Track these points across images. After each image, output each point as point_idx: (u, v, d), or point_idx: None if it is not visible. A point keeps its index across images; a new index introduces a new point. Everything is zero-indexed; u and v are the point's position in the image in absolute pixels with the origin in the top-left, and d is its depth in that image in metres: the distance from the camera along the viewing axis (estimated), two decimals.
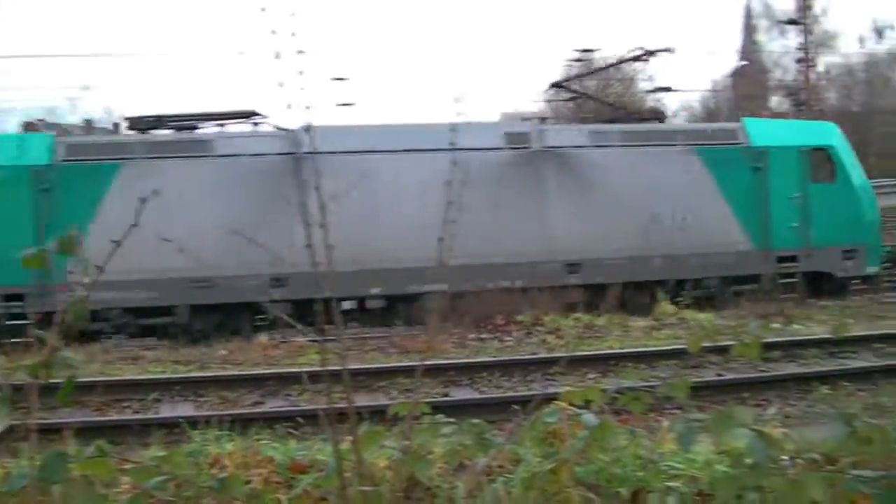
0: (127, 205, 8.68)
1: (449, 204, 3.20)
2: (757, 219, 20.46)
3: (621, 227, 19.58)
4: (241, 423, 7.00)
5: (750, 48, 60.43)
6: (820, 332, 15.07)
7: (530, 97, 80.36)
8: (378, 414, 4.60)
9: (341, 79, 39.56)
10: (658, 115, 23.59)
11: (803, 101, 43.52)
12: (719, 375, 11.92)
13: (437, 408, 3.62)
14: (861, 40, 54.52)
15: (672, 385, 2.67)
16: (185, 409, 10.87)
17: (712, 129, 21.99)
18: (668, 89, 36.85)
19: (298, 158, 17.57)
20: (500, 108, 70.68)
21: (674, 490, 3.25)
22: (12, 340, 15.19)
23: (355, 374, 11.88)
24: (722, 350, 11.30)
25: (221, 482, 3.06)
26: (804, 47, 45.01)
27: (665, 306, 17.70)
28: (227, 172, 18.42)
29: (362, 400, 10.51)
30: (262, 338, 16.13)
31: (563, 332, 15.89)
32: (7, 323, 16.42)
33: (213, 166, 18.44)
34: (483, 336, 16.23)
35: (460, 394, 11.67)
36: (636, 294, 19.24)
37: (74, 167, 17.63)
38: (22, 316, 16.18)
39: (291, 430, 7.16)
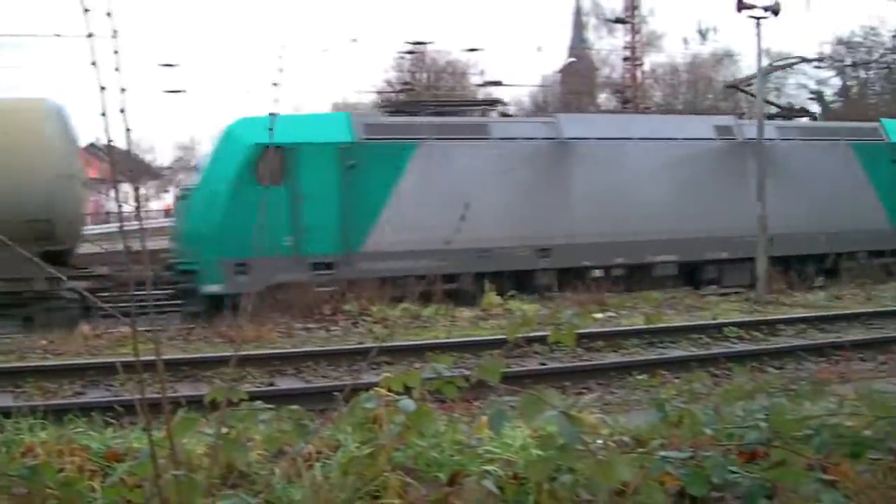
0: (420, 181, 16.01)
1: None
2: (893, 202, 24.19)
3: (800, 207, 22.48)
4: (59, 413, 6.70)
5: (579, 45, 61.95)
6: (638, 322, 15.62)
7: (360, 88, 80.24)
8: (199, 403, 4.50)
9: (170, 65, 39.01)
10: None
11: (629, 99, 45.04)
12: (542, 364, 12.22)
13: (261, 397, 3.58)
14: (686, 41, 56.75)
15: (485, 369, 2.67)
16: (2, 400, 10.37)
17: (863, 128, 25.63)
18: (498, 83, 37.55)
19: (560, 143, 20.51)
20: (330, 99, 70.42)
21: (490, 474, 3.28)
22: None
23: (178, 363, 11.62)
24: (544, 340, 11.75)
25: (32, 470, 2.96)
26: (631, 46, 46.58)
27: (491, 297, 17.96)
28: (501, 154, 20.17)
29: (186, 390, 10.26)
30: (85, 327, 15.57)
31: (390, 322, 15.92)
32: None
33: (490, 149, 20.20)
34: (310, 326, 16.11)
35: (286, 383, 11.56)
36: (805, 264, 23.14)
37: (375, 145, 19.13)
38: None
39: (109, 420, 6.89)
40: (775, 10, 20.78)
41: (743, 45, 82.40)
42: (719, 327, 15.05)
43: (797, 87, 54.82)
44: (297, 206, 17.92)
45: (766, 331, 15.15)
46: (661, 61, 59.10)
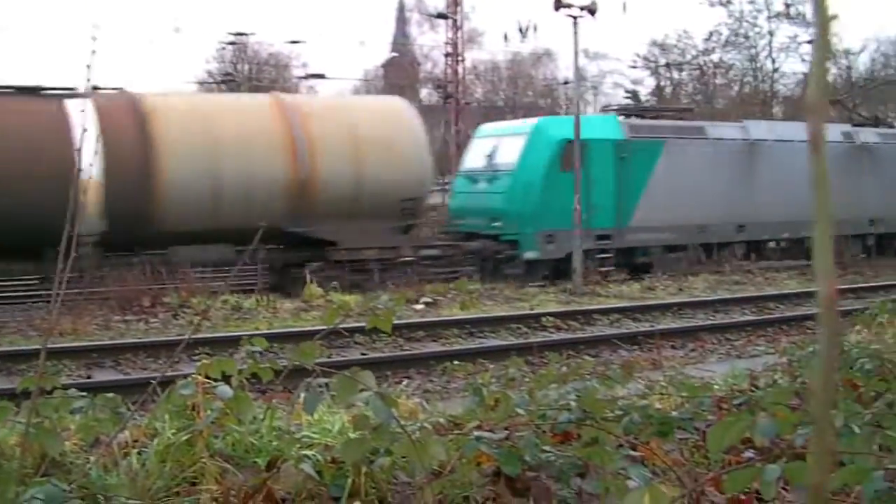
0: (665, 171, 23.47)
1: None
2: None
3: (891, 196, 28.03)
4: None
5: (402, 40, 62.23)
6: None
7: (185, 79, 78.16)
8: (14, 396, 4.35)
9: None
10: None
11: (451, 94, 45.52)
12: (363, 354, 12.22)
13: (79, 390, 3.46)
14: (506, 39, 57.83)
15: (301, 352, 2.63)
16: None
17: None
18: (321, 76, 37.32)
19: (749, 143, 26.29)
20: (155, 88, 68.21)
21: (308, 458, 3.25)
22: None
23: None
24: (367, 331, 11.81)
25: None
26: (453, 42, 47.03)
27: (313, 289, 17.84)
28: (713, 152, 25.46)
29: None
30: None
31: (211, 314, 15.56)
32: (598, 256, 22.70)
33: (706, 147, 25.49)
34: (129, 318, 15.58)
35: (103, 375, 11.18)
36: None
37: (638, 142, 24.02)
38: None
39: None
40: (592, 10, 21.40)
41: (561, 43, 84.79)
42: (537, 317, 15.42)
43: (614, 87, 56.96)
44: (588, 190, 21.73)
45: (582, 320, 15.64)
46: (482, 58, 60.18)
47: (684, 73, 58.43)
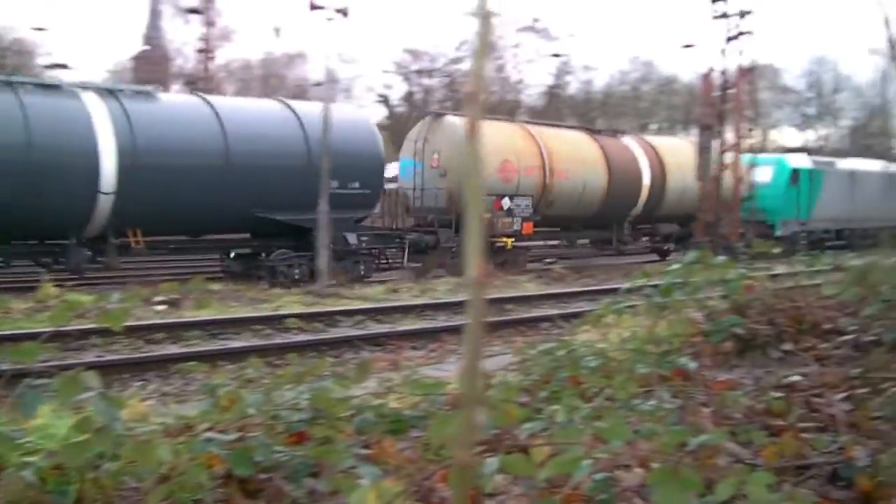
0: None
1: None
2: None
3: None
4: None
5: (154, 34, 60.27)
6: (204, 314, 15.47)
7: None
8: None
9: None
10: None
11: (202, 91, 44.48)
12: (99, 357, 11.73)
13: None
14: (260, 38, 57.19)
15: (20, 352, 2.50)
16: None
17: None
18: (64, 66, 35.56)
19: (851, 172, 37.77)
20: None
21: (30, 465, 3.10)
22: None
23: None
24: (106, 332, 11.32)
25: None
26: (205, 38, 45.98)
27: (48, 288, 16.93)
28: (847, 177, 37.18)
29: None
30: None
31: None
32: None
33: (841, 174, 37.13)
34: None
35: None
36: None
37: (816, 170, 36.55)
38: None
39: None
40: (345, 13, 21.56)
41: (315, 45, 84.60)
42: (281, 319, 15.33)
43: (366, 91, 57.51)
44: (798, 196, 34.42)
45: (325, 322, 15.67)
46: (235, 56, 59.25)
47: (435, 80, 59.87)
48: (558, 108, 58.57)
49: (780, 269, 8.48)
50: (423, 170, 25.63)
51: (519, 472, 1.96)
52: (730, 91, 27.77)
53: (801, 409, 4.66)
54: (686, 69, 71.79)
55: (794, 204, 33.71)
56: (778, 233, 31.66)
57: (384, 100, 56.25)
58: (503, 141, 25.51)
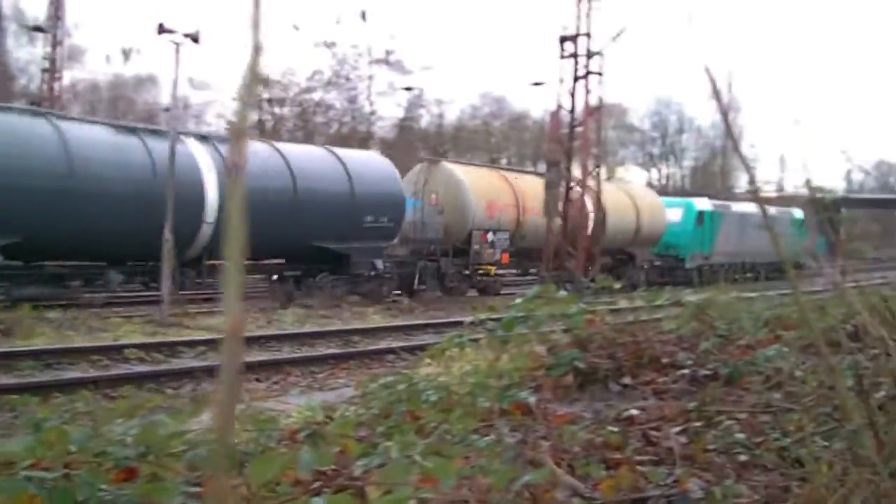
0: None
1: None
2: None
3: None
4: None
5: None
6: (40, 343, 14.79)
7: None
8: None
9: None
10: None
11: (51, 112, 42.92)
12: None
13: None
14: (108, 59, 55.57)
15: None
16: None
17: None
18: None
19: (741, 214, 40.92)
20: None
21: None
22: None
23: None
24: None
25: None
26: (51, 58, 44.45)
27: None
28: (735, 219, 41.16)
29: None
30: None
31: None
32: None
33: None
34: None
35: None
36: None
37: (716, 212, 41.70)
38: None
39: None
40: (195, 38, 21.16)
41: (165, 69, 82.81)
42: (120, 349, 14.80)
43: (216, 117, 56.55)
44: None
45: (167, 352, 15.21)
46: (82, 77, 57.37)
47: (286, 109, 59.37)
48: (411, 140, 58.93)
49: (622, 303, 8.67)
50: (422, 207, 28.95)
51: None
52: (577, 129, 28.51)
53: (639, 442, 4.73)
54: (536, 106, 73.59)
55: (700, 240, 39.17)
56: (687, 265, 37.43)
57: None
58: (486, 185, 30.22)
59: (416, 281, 28.19)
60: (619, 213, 34.44)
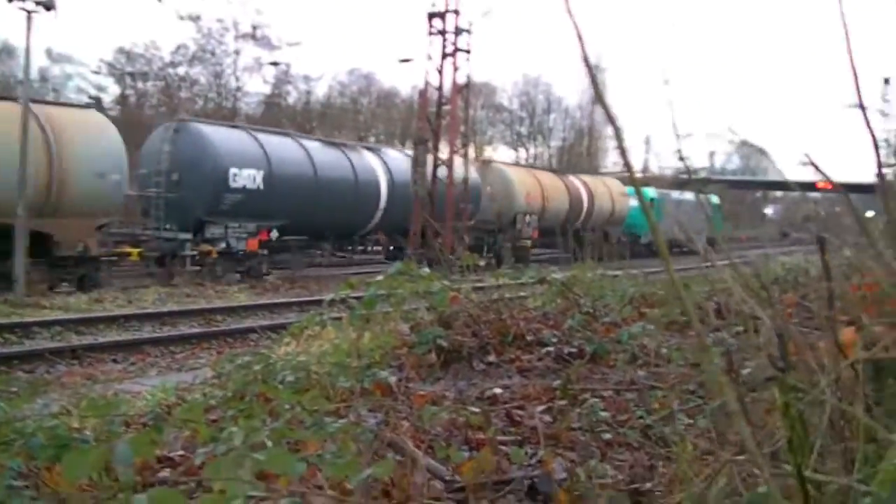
0: None
1: None
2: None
3: None
4: None
5: None
6: None
7: None
8: None
9: None
10: None
11: None
12: None
13: None
14: None
15: None
16: None
17: None
18: None
19: None
20: None
21: None
22: None
23: None
24: None
25: None
26: None
27: None
28: None
29: None
30: None
31: None
32: None
33: None
34: None
35: None
36: None
37: None
38: None
39: None
40: (48, 6, 20.14)
41: (22, 40, 79.32)
42: None
43: (77, 91, 54.40)
44: None
45: (20, 334, 14.49)
46: None
47: (150, 84, 57.56)
48: (277, 117, 57.86)
49: (489, 281, 8.58)
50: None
51: None
52: (445, 107, 28.42)
53: (502, 421, 4.61)
54: (405, 83, 73.44)
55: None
56: (643, 241, 43.30)
57: (97, 102, 53.41)
58: (524, 179, 39.41)
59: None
60: (600, 201, 44.93)
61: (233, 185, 25.15)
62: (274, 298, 21.64)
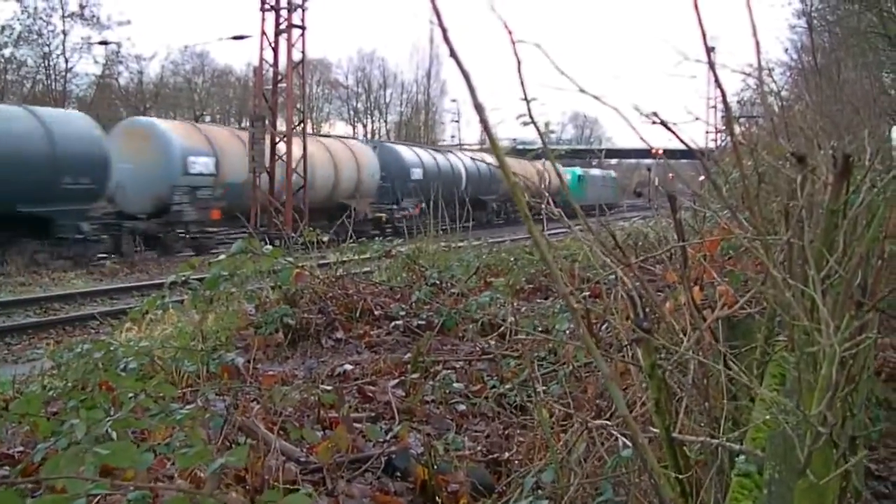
0: None
1: None
2: None
3: None
4: None
5: None
6: None
7: None
8: None
9: None
10: None
11: None
12: None
13: None
14: None
15: None
16: None
17: None
18: None
19: None
20: None
21: None
22: None
23: None
24: None
25: None
26: None
27: None
28: None
29: None
30: None
31: None
32: None
33: None
34: None
35: None
36: None
37: None
38: None
39: None
40: None
41: None
42: None
43: None
44: None
45: None
46: None
47: None
48: (110, 98, 55.67)
49: (332, 257, 8.46)
50: None
51: None
52: (281, 84, 27.93)
53: (355, 398, 4.53)
54: (239, 61, 71.93)
55: (580, 193, 52.86)
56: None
57: None
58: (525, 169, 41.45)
59: None
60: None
61: None
62: (113, 284, 20.83)
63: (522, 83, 1.49)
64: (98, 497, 2.70)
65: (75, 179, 23.44)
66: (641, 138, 1.89)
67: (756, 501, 1.40)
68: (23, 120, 23.51)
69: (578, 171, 58.68)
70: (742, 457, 1.50)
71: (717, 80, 1.81)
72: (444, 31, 1.31)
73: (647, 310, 1.71)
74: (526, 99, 1.64)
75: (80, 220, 24.31)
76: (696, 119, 1.95)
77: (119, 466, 1.95)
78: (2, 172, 21.36)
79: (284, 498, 1.44)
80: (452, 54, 1.33)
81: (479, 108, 1.33)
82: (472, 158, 45.21)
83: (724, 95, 1.86)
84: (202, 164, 28.06)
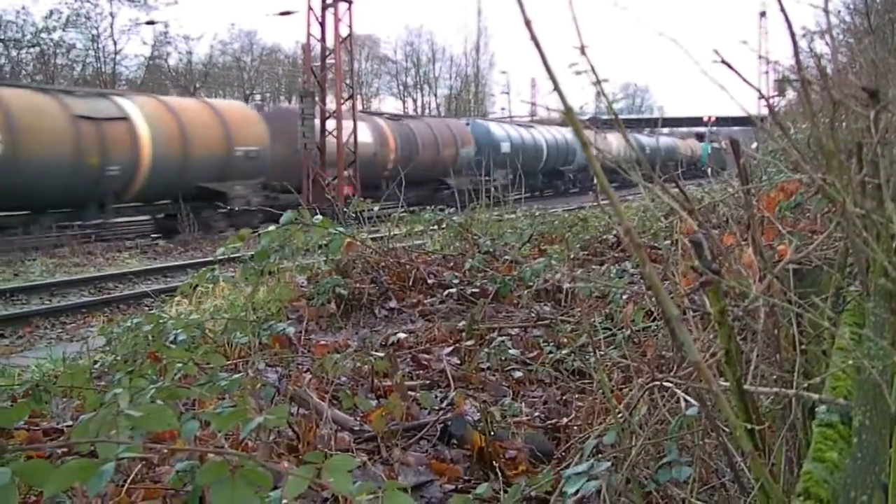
0: None
1: None
2: None
3: None
4: None
5: None
6: None
7: None
8: None
9: None
10: None
11: None
12: None
13: None
14: None
15: None
16: None
17: None
18: None
19: None
20: None
21: None
22: None
23: None
24: None
25: None
26: None
27: None
28: None
29: None
30: None
31: None
32: None
33: None
34: None
35: None
36: None
37: None
38: None
39: None
40: None
41: None
42: None
43: None
44: None
45: None
46: None
47: (24, 52, 55.14)
48: (160, 79, 56.12)
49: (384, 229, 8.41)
50: None
51: (36, 483, 1.44)
52: (330, 60, 27.89)
53: (409, 366, 4.45)
54: (287, 38, 72.05)
55: (710, 162, 54.70)
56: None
57: None
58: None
59: None
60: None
61: None
62: (166, 262, 21.01)
63: (591, 66, 1.37)
64: (141, 465, 2.65)
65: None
66: (715, 83, 1.75)
67: (843, 451, 1.29)
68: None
69: (708, 145, 56.30)
70: (823, 406, 1.39)
71: (782, 8, 1.69)
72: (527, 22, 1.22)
73: (713, 253, 1.59)
74: (596, 77, 1.53)
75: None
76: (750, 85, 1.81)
77: (156, 430, 1.88)
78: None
79: (328, 460, 1.35)
80: (533, 37, 1.22)
81: (560, 92, 1.24)
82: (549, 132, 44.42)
83: (789, 25, 1.74)
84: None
